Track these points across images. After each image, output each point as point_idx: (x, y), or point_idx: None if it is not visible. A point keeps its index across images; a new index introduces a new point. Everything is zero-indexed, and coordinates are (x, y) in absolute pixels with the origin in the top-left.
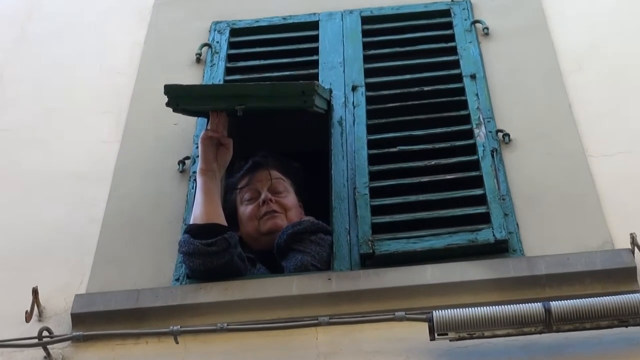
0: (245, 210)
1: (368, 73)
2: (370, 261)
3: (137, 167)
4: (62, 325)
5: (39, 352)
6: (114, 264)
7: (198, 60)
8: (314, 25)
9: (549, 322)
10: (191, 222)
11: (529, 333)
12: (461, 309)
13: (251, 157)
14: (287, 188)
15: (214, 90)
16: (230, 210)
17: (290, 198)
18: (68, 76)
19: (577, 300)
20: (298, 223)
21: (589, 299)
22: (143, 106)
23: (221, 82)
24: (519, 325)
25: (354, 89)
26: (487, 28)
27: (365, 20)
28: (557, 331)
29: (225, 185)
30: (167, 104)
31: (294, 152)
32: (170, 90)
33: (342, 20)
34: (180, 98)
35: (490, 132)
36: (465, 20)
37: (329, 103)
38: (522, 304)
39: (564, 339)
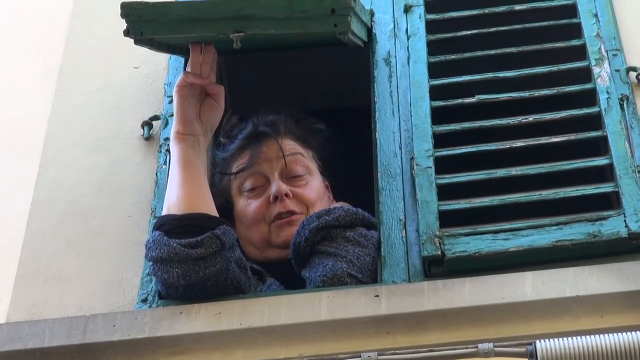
0: (246, 206)
1: None
2: (439, 268)
3: (78, 133)
4: None
5: None
6: (48, 278)
7: None
8: None
9: None
10: (164, 213)
11: None
12: (577, 338)
13: (251, 117)
14: (308, 166)
15: (196, 10)
16: (220, 199)
17: (313, 184)
18: None
19: None
20: (326, 212)
21: None
22: (86, 40)
23: None
24: None
25: (407, 9)
26: None
27: None
28: None
29: (212, 159)
30: (126, 33)
31: (317, 110)
32: (130, 10)
33: None
34: (146, 23)
35: (618, 71)
36: None
37: (370, 31)
38: None
39: None
